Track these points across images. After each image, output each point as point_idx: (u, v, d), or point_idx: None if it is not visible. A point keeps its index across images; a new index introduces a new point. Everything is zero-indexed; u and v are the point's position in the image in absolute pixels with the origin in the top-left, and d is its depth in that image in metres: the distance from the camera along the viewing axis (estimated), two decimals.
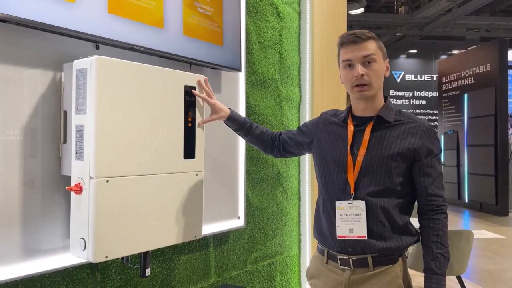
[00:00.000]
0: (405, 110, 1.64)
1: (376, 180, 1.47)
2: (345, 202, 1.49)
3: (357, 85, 1.49)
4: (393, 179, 1.47)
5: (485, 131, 8.40)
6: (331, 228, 1.53)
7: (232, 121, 1.76)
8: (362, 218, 1.46)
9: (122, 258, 1.67)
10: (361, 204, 1.46)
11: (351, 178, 1.50)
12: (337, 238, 1.50)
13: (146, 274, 1.67)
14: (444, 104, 9.98)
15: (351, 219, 1.47)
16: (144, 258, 1.66)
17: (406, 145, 1.48)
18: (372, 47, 1.48)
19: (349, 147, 1.53)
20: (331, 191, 1.54)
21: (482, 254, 4.64)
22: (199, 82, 1.73)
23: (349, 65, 1.50)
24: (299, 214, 2.97)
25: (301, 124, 2.93)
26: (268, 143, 1.79)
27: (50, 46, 1.53)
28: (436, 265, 1.43)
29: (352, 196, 1.48)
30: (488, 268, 4.52)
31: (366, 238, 1.45)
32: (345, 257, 1.50)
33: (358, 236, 1.46)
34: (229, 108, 1.77)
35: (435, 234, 1.46)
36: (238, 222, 2.39)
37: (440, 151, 1.53)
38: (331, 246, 1.54)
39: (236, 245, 2.42)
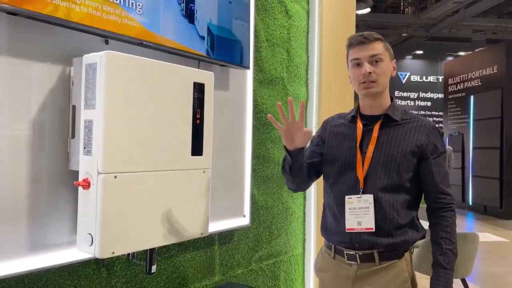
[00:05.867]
0: (411, 111, 1.68)
1: (385, 176, 1.50)
2: (354, 197, 1.52)
3: (364, 82, 1.53)
4: (402, 175, 1.50)
5: (491, 133, 8.36)
6: (336, 224, 1.56)
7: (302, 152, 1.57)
8: (370, 211, 1.48)
9: (128, 254, 1.67)
10: (369, 197, 1.49)
11: (360, 174, 1.52)
12: (346, 231, 1.51)
13: (152, 271, 1.67)
14: (450, 106, 9.94)
15: (360, 212, 1.50)
16: (150, 254, 1.65)
17: (414, 141, 1.51)
18: (379, 47, 1.54)
19: (358, 145, 1.55)
20: (340, 189, 1.56)
21: (486, 257, 4.62)
22: (301, 104, 1.58)
23: (357, 64, 1.55)
24: (304, 213, 2.96)
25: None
26: (306, 174, 1.62)
27: (60, 40, 1.52)
28: (445, 260, 1.45)
29: (361, 190, 1.51)
30: (492, 271, 4.50)
31: (373, 229, 1.47)
32: (351, 252, 1.52)
33: (366, 228, 1.49)
34: None
35: (444, 231, 1.48)
36: (243, 220, 2.38)
37: (445, 151, 1.56)
38: (337, 242, 1.56)
39: (241, 243, 2.41)
